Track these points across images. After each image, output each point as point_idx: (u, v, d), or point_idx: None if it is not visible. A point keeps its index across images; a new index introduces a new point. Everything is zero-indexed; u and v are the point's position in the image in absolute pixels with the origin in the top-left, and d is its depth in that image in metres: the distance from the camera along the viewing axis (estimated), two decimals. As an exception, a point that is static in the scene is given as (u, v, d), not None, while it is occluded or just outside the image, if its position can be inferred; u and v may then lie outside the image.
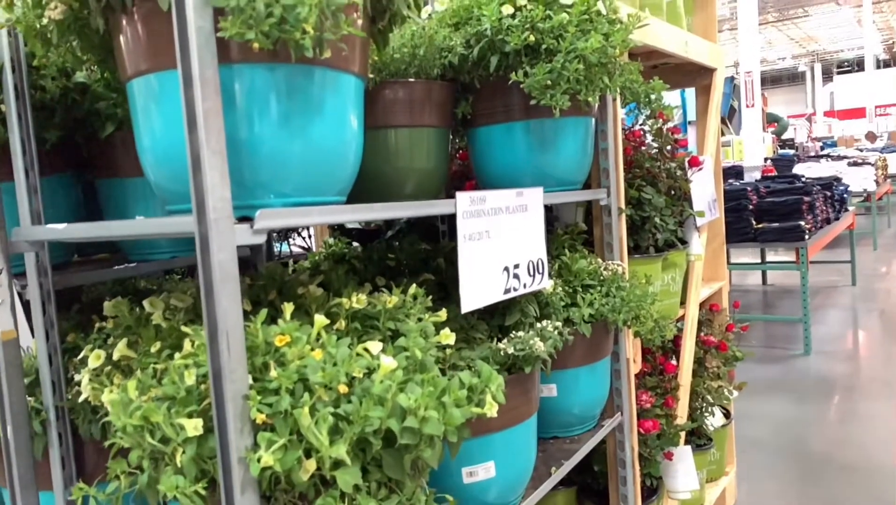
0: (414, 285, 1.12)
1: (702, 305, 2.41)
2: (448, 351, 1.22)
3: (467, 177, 1.92)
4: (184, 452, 0.81)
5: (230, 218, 0.76)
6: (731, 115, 10.76)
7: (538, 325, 1.35)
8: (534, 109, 1.41)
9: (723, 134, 10.85)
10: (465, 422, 0.91)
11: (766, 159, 10.02)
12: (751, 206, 4.87)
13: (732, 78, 10.73)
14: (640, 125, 1.99)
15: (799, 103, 29.53)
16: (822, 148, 14.99)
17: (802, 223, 4.67)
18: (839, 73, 29.70)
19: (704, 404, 2.30)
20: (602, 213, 1.72)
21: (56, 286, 1.17)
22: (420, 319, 1.08)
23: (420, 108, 1.36)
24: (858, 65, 27.56)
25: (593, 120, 1.60)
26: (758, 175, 7.33)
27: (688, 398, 2.13)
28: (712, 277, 2.57)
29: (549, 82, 1.34)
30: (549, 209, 1.91)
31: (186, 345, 0.91)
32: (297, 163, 0.87)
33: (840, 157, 10.20)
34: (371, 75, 1.31)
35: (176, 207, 0.89)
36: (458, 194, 1.16)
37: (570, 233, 1.77)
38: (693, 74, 2.37)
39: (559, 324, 1.37)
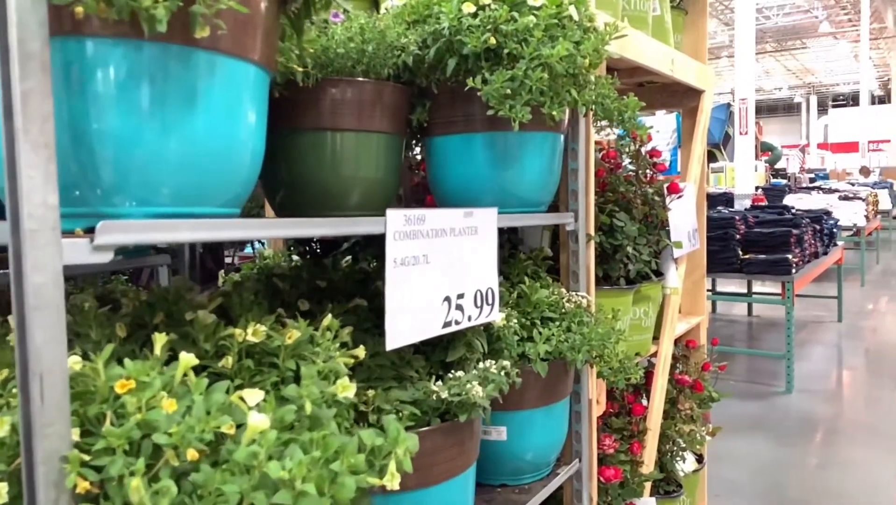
0: (329, 316, 0.95)
1: (678, 340, 2.26)
2: (371, 393, 1.06)
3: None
4: (-11, 523, 0.64)
5: (55, 230, 0.60)
6: (725, 142, 10.72)
7: (482, 364, 1.18)
8: (496, 121, 1.26)
9: (717, 160, 10.81)
10: (364, 491, 0.74)
11: (757, 188, 9.98)
12: (738, 236, 4.74)
13: (729, 105, 10.70)
14: (619, 145, 1.84)
15: (793, 134, 29.74)
16: (811, 180, 15.03)
17: (790, 256, 4.54)
18: (834, 106, 29.99)
19: (675, 449, 2.14)
20: (569, 239, 1.56)
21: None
22: (331, 358, 0.91)
23: (370, 111, 1.21)
24: (853, 99, 27.84)
25: (562, 137, 1.45)
26: (748, 203, 7.24)
27: (656, 443, 1.96)
28: (690, 312, 2.42)
29: (509, 91, 1.19)
30: (514, 232, 1.76)
31: (25, 380, 0.74)
32: (170, 164, 0.71)
33: (832, 190, 10.19)
34: (312, 71, 1.16)
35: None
36: (390, 212, 1.00)
37: (533, 258, 1.61)
38: (680, 96, 2.24)
39: (507, 363, 1.21)
